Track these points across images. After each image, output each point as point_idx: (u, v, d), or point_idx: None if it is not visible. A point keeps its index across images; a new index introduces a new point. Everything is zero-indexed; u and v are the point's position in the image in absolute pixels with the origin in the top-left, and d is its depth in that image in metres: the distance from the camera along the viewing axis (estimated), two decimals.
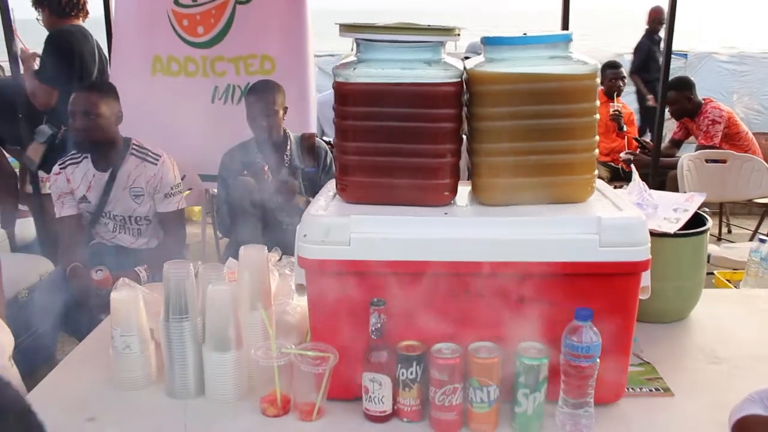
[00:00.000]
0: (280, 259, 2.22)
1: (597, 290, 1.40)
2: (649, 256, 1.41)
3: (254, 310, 1.57)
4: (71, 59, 3.74)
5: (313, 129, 3.79)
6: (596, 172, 1.55)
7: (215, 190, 3.76)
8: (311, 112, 3.79)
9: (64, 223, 3.08)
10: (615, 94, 5.40)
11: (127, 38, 3.81)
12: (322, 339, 1.47)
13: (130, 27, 3.80)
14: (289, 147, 3.29)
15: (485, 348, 1.40)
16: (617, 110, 5.25)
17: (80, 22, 3.92)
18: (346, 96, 1.51)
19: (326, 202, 1.55)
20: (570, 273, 1.39)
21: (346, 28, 1.54)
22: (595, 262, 1.39)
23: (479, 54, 1.62)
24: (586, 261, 1.39)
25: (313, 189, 3.23)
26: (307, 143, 3.33)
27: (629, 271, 1.40)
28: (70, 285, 2.91)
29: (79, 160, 3.03)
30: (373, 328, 1.40)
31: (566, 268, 1.39)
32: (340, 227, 1.40)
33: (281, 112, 3.22)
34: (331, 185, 1.67)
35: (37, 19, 3.88)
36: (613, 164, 5.22)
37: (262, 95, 3.17)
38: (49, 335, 3.42)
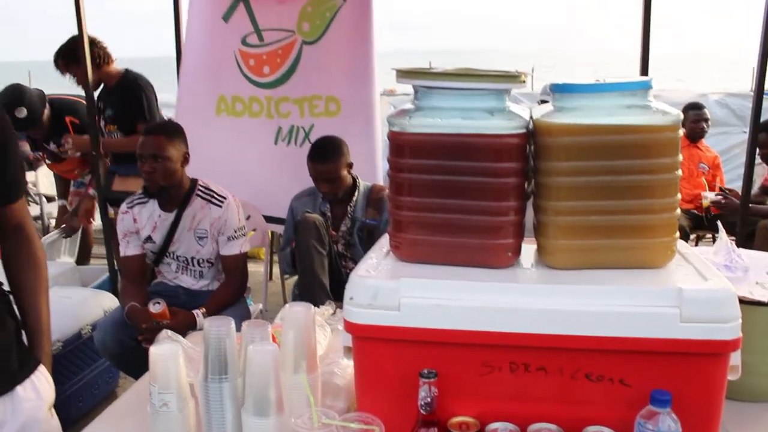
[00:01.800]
0: (334, 313, 2.13)
1: (677, 371, 1.24)
2: (740, 334, 1.23)
3: (297, 373, 1.47)
4: (141, 104, 3.84)
5: (379, 172, 3.72)
6: (677, 234, 1.39)
7: (280, 232, 3.75)
8: (377, 153, 3.73)
9: (128, 262, 3.09)
10: (697, 138, 5.11)
11: (194, 77, 3.86)
12: (367, 409, 1.35)
13: (197, 66, 3.85)
14: (355, 197, 3.29)
15: (547, 430, 1.25)
16: (711, 201, 4.65)
17: (112, 68, 4.05)
18: (401, 147, 1.40)
19: (378, 260, 1.44)
20: (645, 351, 1.23)
21: (403, 74, 1.44)
22: (675, 340, 1.22)
23: None
24: (665, 338, 1.22)
25: (370, 242, 3.16)
26: (376, 196, 3.29)
27: (715, 351, 1.23)
28: (129, 322, 2.90)
29: (146, 200, 3.03)
30: (423, 402, 1.27)
31: (641, 344, 1.23)
32: (390, 291, 1.29)
33: (344, 173, 3.22)
34: (384, 241, 1.57)
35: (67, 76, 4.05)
36: (696, 212, 4.92)
37: (323, 165, 3.17)
38: (109, 371, 3.46)
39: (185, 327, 2.78)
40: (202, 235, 3.00)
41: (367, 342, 1.32)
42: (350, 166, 3.24)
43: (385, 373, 1.32)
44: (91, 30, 3.81)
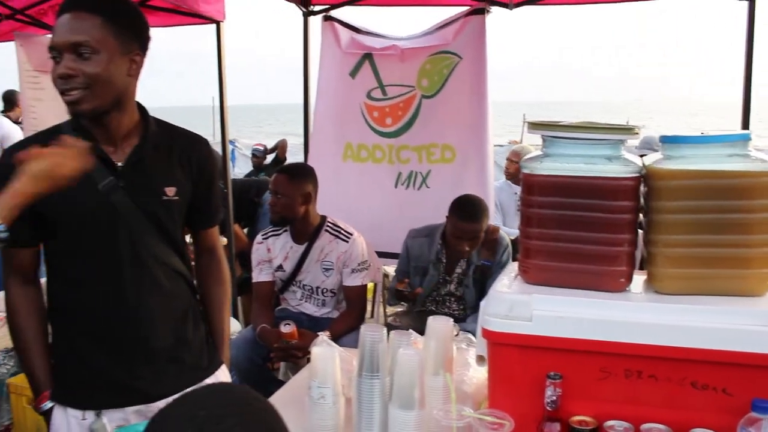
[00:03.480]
0: (457, 335, 2.39)
1: None
2: None
3: (437, 375, 1.73)
4: None
5: (492, 215, 3.95)
6: None
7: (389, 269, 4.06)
8: (490, 198, 3.96)
9: (259, 287, 3.44)
10: None
11: (324, 126, 4.24)
12: (499, 407, 1.59)
13: (327, 116, 4.23)
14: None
15: (657, 429, 1.46)
16: None
17: None
18: (532, 186, 1.67)
19: (509, 281, 1.70)
20: (746, 363, 1.43)
21: (534, 126, 1.72)
22: None
23: (652, 148, 1.73)
24: (764, 353, 1.42)
25: (483, 281, 3.38)
26: (490, 237, 3.43)
27: None
28: (260, 342, 3.22)
29: (280, 232, 3.40)
30: (549, 400, 1.51)
31: (742, 358, 1.43)
32: (523, 304, 1.55)
33: (482, 236, 3.34)
34: (512, 267, 1.82)
35: None
36: None
37: (472, 224, 3.28)
38: None
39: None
40: (329, 266, 3.33)
41: (502, 348, 1.58)
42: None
43: (516, 375, 1.57)
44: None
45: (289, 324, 3.11)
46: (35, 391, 1.80)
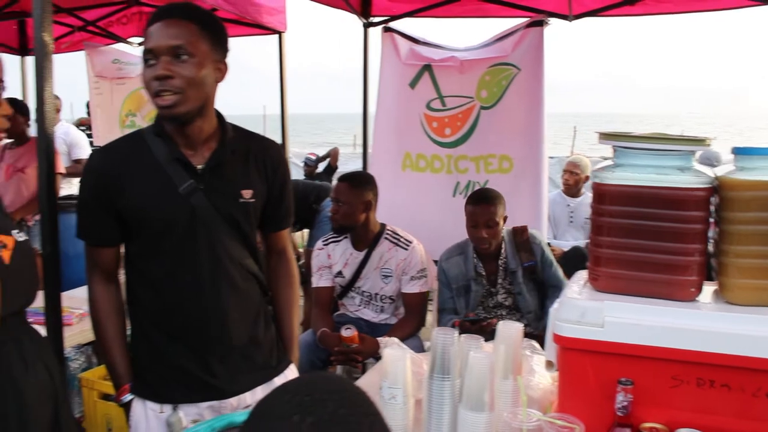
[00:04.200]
0: None
1: None
2: None
3: (506, 379, 1.77)
4: None
5: (544, 227, 3.97)
6: None
7: None
8: (543, 211, 3.98)
9: (319, 292, 3.50)
10: None
11: (384, 135, 4.30)
12: (568, 411, 1.62)
13: (386, 126, 4.29)
14: (503, 249, 3.33)
15: None
16: None
17: None
18: (603, 195, 1.70)
19: (579, 288, 1.74)
20: None
21: (605, 136, 1.75)
22: None
23: (711, 163, 1.75)
24: None
25: (534, 281, 3.34)
26: (521, 239, 3.35)
27: None
28: (320, 346, 3.29)
29: (340, 239, 3.47)
30: (620, 406, 1.54)
31: None
32: (595, 311, 1.58)
33: (502, 223, 3.28)
34: (580, 275, 1.85)
35: None
36: None
37: (485, 206, 3.24)
38: None
39: (371, 352, 3.16)
40: (388, 273, 3.38)
41: (573, 353, 1.61)
42: (504, 219, 3.32)
43: (587, 379, 1.60)
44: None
45: (350, 328, 3.17)
46: (116, 384, 1.89)
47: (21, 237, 1.58)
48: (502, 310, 3.43)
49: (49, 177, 2.04)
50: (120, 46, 5.22)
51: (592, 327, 1.57)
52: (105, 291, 1.87)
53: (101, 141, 5.18)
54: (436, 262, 4.04)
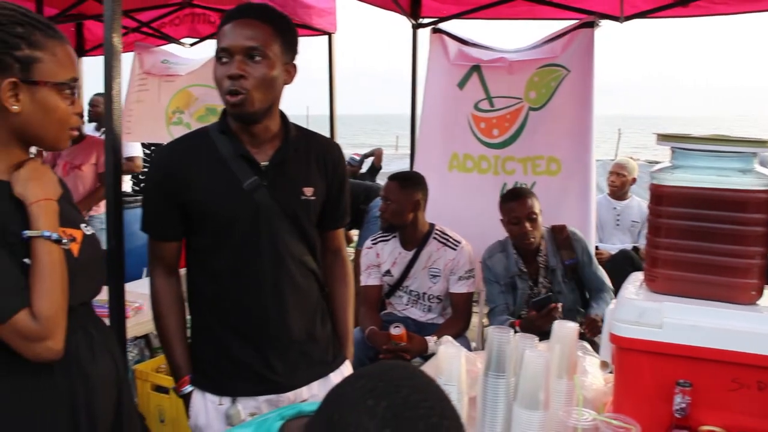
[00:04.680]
0: None
1: None
2: None
3: (561, 379, 1.78)
4: None
5: (592, 230, 3.94)
6: None
7: None
8: (591, 214, 3.95)
9: (367, 291, 3.54)
10: None
11: (431, 135, 4.32)
12: (624, 412, 1.62)
13: (434, 126, 4.31)
14: (543, 247, 3.35)
15: None
16: None
17: None
18: (661, 197, 1.70)
19: (635, 289, 1.74)
20: None
21: (664, 138, 1.75)
22: None
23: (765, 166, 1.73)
24: None
25: (575, 280, 3.34)
26: (561, 236, 3.37)
27: None
28: (368, 344, 3.32)
29: (389, 238, 3.50)
30: (678, 408, 1.54)
31: None
32: (654, 311, 1.58)
33: (540, 218, 3.30)
34: (636, 276, 1.85)
35: None
36: None
37: (520, 201, 3.26)
38: None
39: (419, 351, 3.19)
40: (436, 273, 3.41)
41: (630, 353, 1.61)
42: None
43: (643, 380, 1.60)
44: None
45: (398, 327, 3.20)
46: (176, 375, 1.93)
47: (89, 231, 1.62)
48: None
49: (116, 173, 2.10)
50: (170, 48, 5.32)
51: (651, 328, 1.58)
52: (166, 284, 1.91)
53: (137, 136, 5.19)
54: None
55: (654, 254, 1.72)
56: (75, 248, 1.54)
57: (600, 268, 3.39)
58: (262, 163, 1.82)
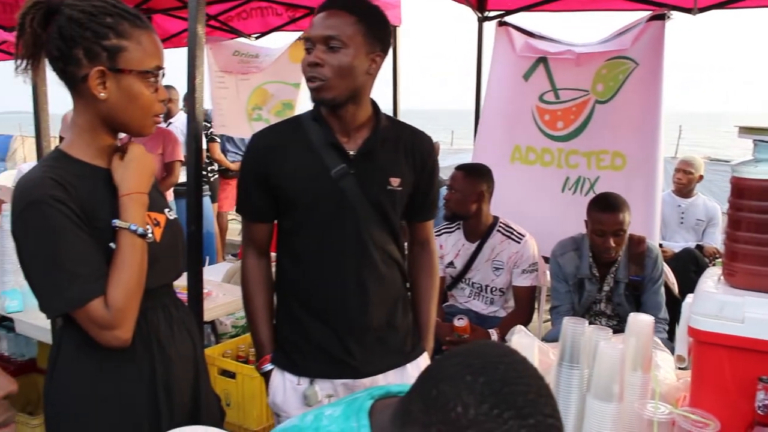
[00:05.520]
0: None
1: None
2: None
3: (635, 371, 1.77)
4: None
5: (656, 229, 3.86)
6: None
7: None
8: (656, 210, 3.88)
9: None
10: None
11: (493, 127, 4.32)
12: (702, 407, 1.61)
13: (496, 118, 4.31)
14: (619, 257, 3.22)
15: None
16: None
17: None
18: (743, 190, 1.68)
19: (714, 283, 1.72)
20: None
21: (745, 130, 1.72)
22: None
23: None
24: None
25: (634, 297, 3.21)
26: (636, 250, 3.22)
27: None
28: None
29: (452, 229, 3.52)
30: (760, 404, 1.51)
31: None
32: (735, 306, 1.56)
33: (627, 234, 3.15)
34: (713, 271, 1.83)
35: None
36: None
37: (614, 215, 3.09)
38: None
39: None
40: (499, 266, 3.41)
41: (710, 347, 1.60)
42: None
43: (723, 375, 1.58)
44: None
45: (462, 318, 3.22)
46: (258, 353, 2.00)
47: (172, 216, 1.69)
48: (602, 318, 3.34)
49: (197, 160, 2.17)
50: (241, 40, 5.43)
51: (732, 322, 1.56)
52: (257, 265, 1.98)
53: (230, 130, 5.57)
54: (546, 258, 4.04)
55: (734, 248, 1.70)
56: (158, 232, 1.59)
57: (663, 294, 3.24)
58: (350, 152, 1.86)
